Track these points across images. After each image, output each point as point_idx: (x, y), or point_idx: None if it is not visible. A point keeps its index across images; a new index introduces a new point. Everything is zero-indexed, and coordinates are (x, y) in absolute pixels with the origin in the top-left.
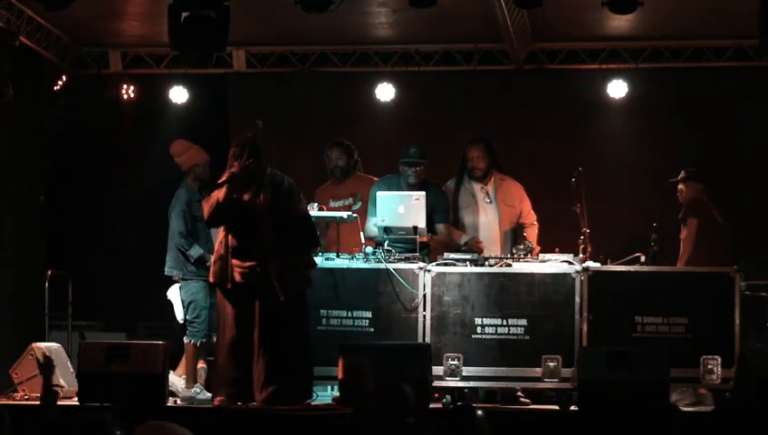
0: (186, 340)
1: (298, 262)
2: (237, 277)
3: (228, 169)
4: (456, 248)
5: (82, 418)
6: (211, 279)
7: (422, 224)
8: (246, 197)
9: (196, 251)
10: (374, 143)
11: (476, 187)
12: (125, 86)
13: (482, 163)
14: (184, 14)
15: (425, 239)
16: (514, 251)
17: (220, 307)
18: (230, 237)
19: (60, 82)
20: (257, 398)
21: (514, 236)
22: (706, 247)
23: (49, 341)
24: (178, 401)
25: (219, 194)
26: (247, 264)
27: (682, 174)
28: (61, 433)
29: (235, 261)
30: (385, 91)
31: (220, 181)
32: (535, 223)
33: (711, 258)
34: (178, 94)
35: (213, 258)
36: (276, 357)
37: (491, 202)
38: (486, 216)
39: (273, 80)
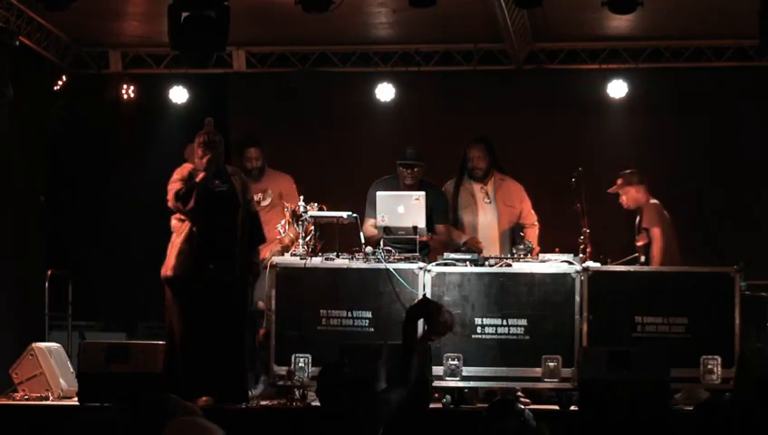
0: None
1: (251, 257)
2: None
3: (201, 158)
4: (456, 248)
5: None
6: (170, 272)
7: (422, 224)
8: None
9: None
10: (373, 143)
11: (476, 187)
12: (125, 86)
13: (482, 163)
14: (184, 14)
15: (425, 239)
16: (514, 251)
17: (171, 303)
18: (198, 229)
19: (60, 82)
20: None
21: (513, 237)
22: (672, 250)
23: (49, 341)
24: None
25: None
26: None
27: (620, 180)
28: (66, 432)
29: (198, 257)
30: (385, 91)
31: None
32: (536, 223)
33: (675, 259)
34: (178, 94)
35: (173, 252)
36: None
37: (490, 202)
38: (485, 216)
39: (273, 80)
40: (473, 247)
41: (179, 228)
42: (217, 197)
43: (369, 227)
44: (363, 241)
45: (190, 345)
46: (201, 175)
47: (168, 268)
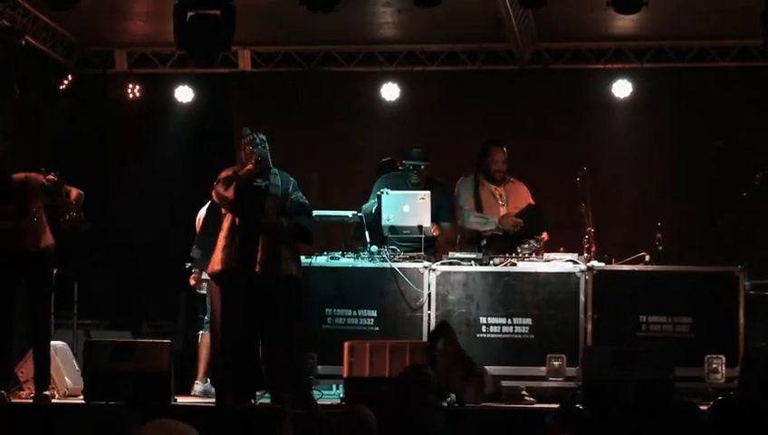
0: (204, 332)
1: (295, 252)
2: (244, 269)
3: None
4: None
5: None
6: (218, 266)
7: (427, 223)
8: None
9: (193, 252)
10: (379, 143)
11: (492, 187)
12: (131, 85)
13: (505, 166)
14: (189, 14)
15: (435, 233)
16: (519, 250)
17: (221, 298)
18: (238, 225)
19: (65, 82)
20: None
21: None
22: None
23: (54, 339)
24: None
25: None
26: (253, 256)
27: None
28: (75, 431)
29: (242, 254)
30: (390, 91)
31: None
32: None
33: None
34: (184, 94)
35: (219, 246)
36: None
37: (504, 205)
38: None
39: (278, 79)
40: (507, 227)
41: (225, 226)
42: (257, 193)
43: (366, 206)
44: (368, 240)
45: (240, 342)
46: (246, 168)
47: (214, 263)
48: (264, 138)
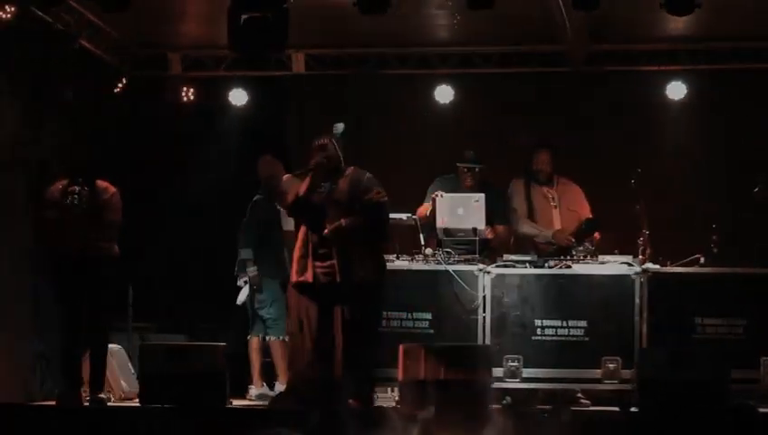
0: (274, 337)
1: (370, 253)
2: (320, 278)
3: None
4: (547, 240)
5: None
6: (295, 278)
7: (481, 225)
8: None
9: (245, 253)
10: (433, 145)
11: (544, 189)
12: (184, 88)
13: (548, 168)
14: (243, 17)
15: (489, 235)
16: (574, 253)
17: (298, 308)
18: (308, 237)
19: (119, 85)
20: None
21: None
22: None
23: (110, 343)
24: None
25: (301, 185)
26: (327, 263)
27: None
28: None
29: (316, 262)
30: (444, 93)
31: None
32: None
33: None
34: (238, 96)
35: (295, 257)
36: (362, 357)
37: (557, 207)
38: (554, 218)
39: (331, 82)
40: (561, 241)
41: (299, 238)
42: (317, 201)
43: (421, 209)
44: (423, 243)
45: (318, 347)
46: (305, 181)
47: (293, 273)
48: (324, 143)
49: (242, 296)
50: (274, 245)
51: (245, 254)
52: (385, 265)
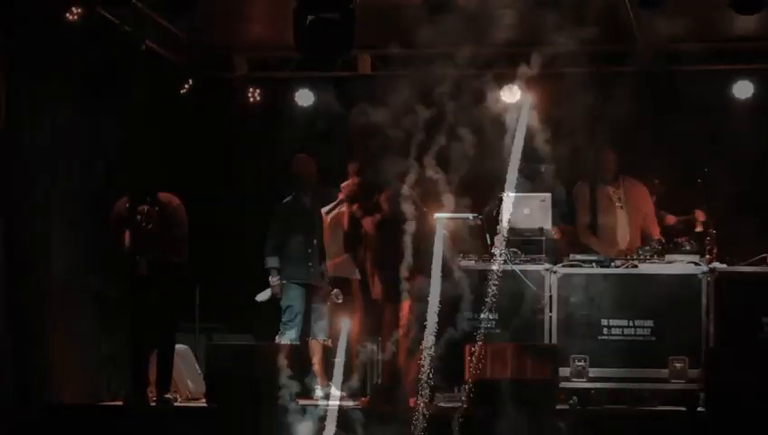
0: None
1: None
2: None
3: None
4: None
5: None
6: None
7: (548, 225)
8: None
9: (271, 261)
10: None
11: (610, 190)
12: (251, 89)
13: (614, 166)
14: (309, 18)
15: (556, 235)
16: (641, 252)
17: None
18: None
19: (186, 86)
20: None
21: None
22: None
23: (177, 343)
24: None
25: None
26: (387, 272)
27: None
28: None
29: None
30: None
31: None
32: (657, 226)
33: None
34: (304, 97)
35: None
36: None
37: (623, 207)
38: (619, 219)
39: (397, 82)
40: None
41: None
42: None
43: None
44: (490, 242)
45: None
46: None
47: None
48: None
49: (263, 295)
50: (303, 247)
51: (271, 262)
52: None
